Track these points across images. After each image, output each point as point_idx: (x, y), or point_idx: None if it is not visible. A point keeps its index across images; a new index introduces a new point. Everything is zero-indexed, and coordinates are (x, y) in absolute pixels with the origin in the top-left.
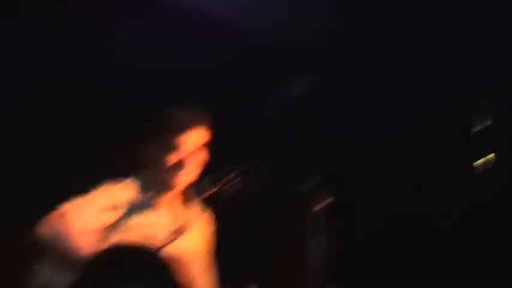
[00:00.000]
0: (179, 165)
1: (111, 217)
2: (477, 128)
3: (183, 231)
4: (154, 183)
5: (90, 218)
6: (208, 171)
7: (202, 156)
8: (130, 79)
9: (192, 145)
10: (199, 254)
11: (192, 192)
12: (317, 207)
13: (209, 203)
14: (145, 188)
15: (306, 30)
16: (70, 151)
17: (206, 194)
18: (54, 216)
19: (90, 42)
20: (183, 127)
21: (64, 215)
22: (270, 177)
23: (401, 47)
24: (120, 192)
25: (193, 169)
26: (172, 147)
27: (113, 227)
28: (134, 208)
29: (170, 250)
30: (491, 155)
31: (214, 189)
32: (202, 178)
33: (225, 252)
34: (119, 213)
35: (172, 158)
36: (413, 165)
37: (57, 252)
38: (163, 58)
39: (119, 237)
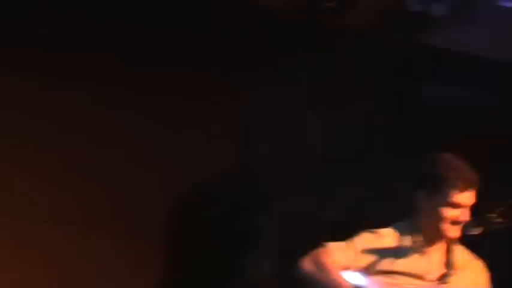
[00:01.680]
0: (454, 220)
1: (375, 259)
2: None
3: (452, 275)
4: (426, 231)
5: (352, 257)
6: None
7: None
8: None
9: (468, 203)
10: None
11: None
12: None
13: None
14: (414, 234)
15: None
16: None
17: (475, 233)
18: (320, 251)
19: None
20: (466, 186)
21: (330, 251)
22: None
23: None
24: (387, 236)
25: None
26: (451, 202)
27: (377, 269)
28: (402, 252)
29: None
30: None
31: (482, 229)
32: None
33: None
34: (385, 256)
35: (449, 212)
36: None
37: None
38: None
39: (383, 279)
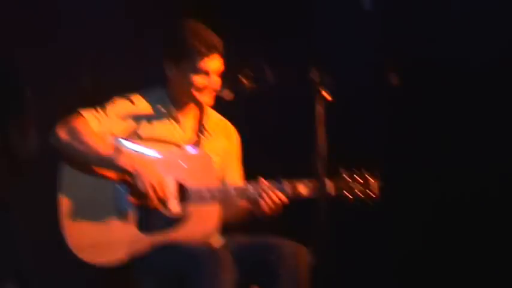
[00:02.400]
0: (204, 87)
1: (129, 126)
2: None
3: (205, 140)
4: (177, 98)
5: (107, 123)
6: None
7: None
8: None
9: (216, 69)
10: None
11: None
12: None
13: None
14: (167, 101)
15: None
16: None
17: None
18: (74, 118)
19: None
20: (210, 52)
21: (84, 118)
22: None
23: None
24: (140, 103)
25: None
26: (198, 69)
27: (132, 135)
28: (155, 118)
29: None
30: None
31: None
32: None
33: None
34: (139, 123)
35: (198, 79)
36: None
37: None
38: None
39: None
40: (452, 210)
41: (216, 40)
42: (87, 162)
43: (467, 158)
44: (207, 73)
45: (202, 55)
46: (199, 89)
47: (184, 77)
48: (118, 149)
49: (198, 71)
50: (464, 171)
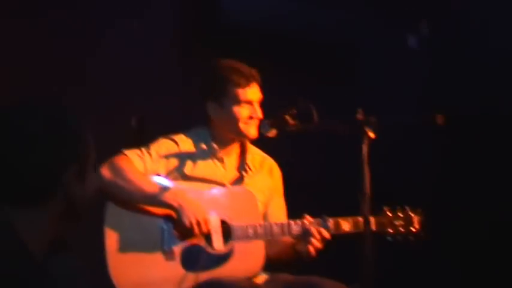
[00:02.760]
0: (247, 117)
1: (172, 165)
2: None
3: (247, 177)
4: (220, 137)
5: (150, 163)
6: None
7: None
8: None
9: (255, 98)
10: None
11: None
12: None
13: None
14: (209, 141)
15: None
16: None
17: (270, 135)
18: (118, 158)
19: None
20: (248, 81)
21: (128, 157)
22: None
23: None
24: (183, 142)
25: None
26: (238, 100)
27: (175, 175)
28: (197, 157)
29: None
30: None
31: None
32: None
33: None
34: (182, 162)
35: (240, 110)
36: None
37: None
38: None
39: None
40: (497, 249)
41: (252, 70)
42: (131, 200)
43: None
44: (249, 103)
45: (243, 86)
46: (244, 121)
47: (228, 113)
48: (162, 187)
49: (240, 102)
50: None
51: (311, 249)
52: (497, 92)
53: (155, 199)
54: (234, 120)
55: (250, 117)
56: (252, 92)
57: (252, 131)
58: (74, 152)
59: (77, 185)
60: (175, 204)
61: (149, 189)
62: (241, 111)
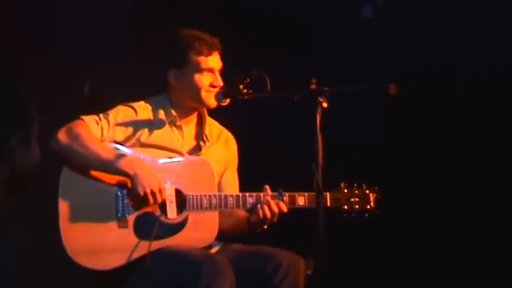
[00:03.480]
0: (210, 85)
1: (130, 133)
2: None
3: (204, 147)
4: (179, 105)
5: (108, 129)
6: None
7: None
8: None
9: (217, 66)
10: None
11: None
12: None
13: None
14: (168, 109)
15: None
16: None
17: (224, 104)
18: (75, 123)
19: None
20: (210, 50)
21: (85, 123)
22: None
23: None
24: (142, 110)
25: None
26: (200, 68)
27: (133, 142)
28: (156, 125)
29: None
30: None
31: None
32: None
33: None
34: (141, 129)
35: (202, 78)
36: None
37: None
38: None
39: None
40: (448, 225)
41: (214, 39)
42: (87, 165)
43: (467, 172)
44: (211, 71)
45: (205, 54)
46: (206, 89)
47: (189, 81)
48: (118, 153)
49: (202, 70)
50: (464, 187)
51: (262, 214)
52: (453, 61)
53: (111, 166)
54: (195, 88)
55: (212, 85)
56: (214, 60)
57: (212, 100)
58: (20, 118)
59: (23, 153)
60: (130, 172)
61: (105, 155)
62: (203, 79)
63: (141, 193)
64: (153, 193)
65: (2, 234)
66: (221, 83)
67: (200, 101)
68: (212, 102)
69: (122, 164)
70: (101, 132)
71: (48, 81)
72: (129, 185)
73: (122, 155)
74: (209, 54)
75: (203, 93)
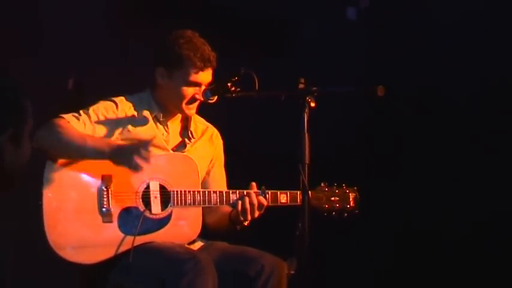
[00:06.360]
0: (192, 98)
1: (112, 128)
2: None
3: (188, 144)
4: (163, 104)
5: (90, 125)
6: None
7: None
8: None
9: (205, 82)
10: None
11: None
12: None
13: None
14: (152, 105)
15: None
16: None
17: (211, 101)
18: (56, 120)
19: None
20: (204, 65)
21: (66, 120)
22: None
23: None
24: (124, 105)
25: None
26: (189, 81)
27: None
28: (139, 121)
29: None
30: None
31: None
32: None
33: None
34: (123, 125)
35: (187, 90)
36: None
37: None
38: None
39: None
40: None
41: (211, 54)
42: (67, 155)
43: (447, 172)
44: (198, 85)
45: (198, 69)
46: (188, 101)
47: (175, 87)
48: (93, 137)
49: (190, 83)
50: (444, 186)
51: (241, 206)
52: (436, 63)
53: (86, 149)
54: (178, 96)
55: (193, 98)
56: (205, 76)
57: (191, 111)
58: (10, 117)
59: (12, 150)
60: (107, 149)
61: (80, 140)
62: (188, 91)
63: (129, 160)
64: (138, 153)
65: None
66: (202, 98)
67: (180, 110)
68: (191, 113)
69: (97, 144)
70: (83, 127)
71: (36, 81)
72: (114, 163)
73: (96, 138)
74: (202, 69)
75: (183, 105)
